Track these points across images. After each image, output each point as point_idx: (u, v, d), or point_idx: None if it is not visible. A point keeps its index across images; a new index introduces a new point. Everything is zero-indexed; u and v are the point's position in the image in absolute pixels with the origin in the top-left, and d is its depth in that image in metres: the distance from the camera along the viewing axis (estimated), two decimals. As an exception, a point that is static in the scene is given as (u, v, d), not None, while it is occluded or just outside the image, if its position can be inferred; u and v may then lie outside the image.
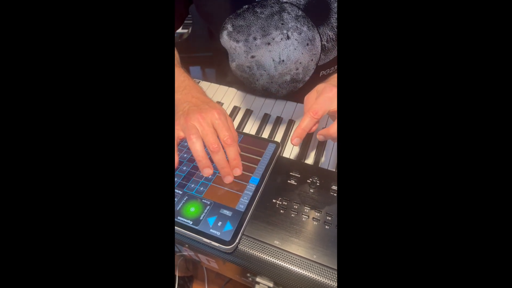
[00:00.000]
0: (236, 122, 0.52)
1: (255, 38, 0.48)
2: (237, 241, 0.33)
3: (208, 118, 0.39)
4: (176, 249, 0.40)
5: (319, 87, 0.41)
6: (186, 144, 0.45)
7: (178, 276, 0.58)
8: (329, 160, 0.45)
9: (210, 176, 0.40)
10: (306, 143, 0.48)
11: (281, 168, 0.42)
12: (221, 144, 0.38)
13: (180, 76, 0.47)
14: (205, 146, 0.38)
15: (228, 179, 0.38)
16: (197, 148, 0.37)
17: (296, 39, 0.48)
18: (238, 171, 0.39)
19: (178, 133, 0.39)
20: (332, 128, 0.37)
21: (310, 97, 0.41)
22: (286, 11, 0.46)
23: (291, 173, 0.41)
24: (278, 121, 0.52)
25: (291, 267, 0.32)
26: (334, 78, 0.44)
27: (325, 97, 0.39)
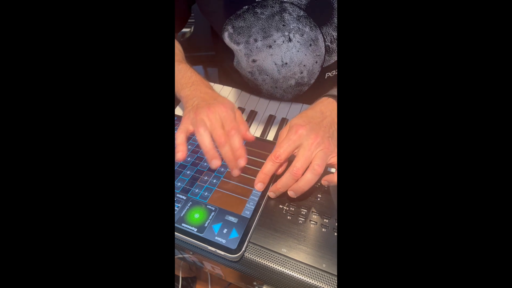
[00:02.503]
0: (240, 124, 0.51)
1: (256, 40, 0.47)
2: (243, 249, 0.32)
3: (217, 113, 0.39)
4: (178, 254, 0.39)
5: (292, 122, 0.38)
6: (189, 147, 0.44)
7: (181, 277, 0.57)
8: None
9: (214, 181, 0.39)
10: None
11: (287, 172, 0.41)
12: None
13: (187, 72, 0.47)
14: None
15: (236, 173, 0.38)
16: (204, 140, 0.37)
17: (298, 41, 0.46)
18: (242, 162, 0.37)
19: (188, 127, 0.39)
20: (278, 184, 0.36)
21: (282, 133, 0.39)
22: (287, 12, 0.45)
23: (298, 177, 0.40)
24: (283, 122, 0.50)
25: (299, 277, 0.31)
26: (318, 102, 0.42)
27: (289, 139, 0.36)
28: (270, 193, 0.37)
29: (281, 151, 0.36)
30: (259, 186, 0.37)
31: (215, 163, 0.37)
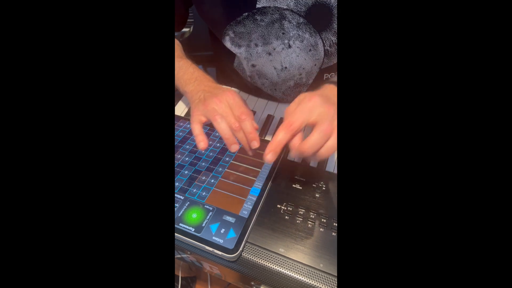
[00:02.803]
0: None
1: (256, 45, 0.47)
2: (240, 249, 0.32)
3: (224, 100, 0.40)
4: (177, 254, 0.39)
5: (300, 96, 0.36)
6: (187, 147, 0.44)
7: (181, 277, 0.57)
8: (335, 163, 0.44)
9: (212, 181, 0.39)
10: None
11: (285, 172, 0.41)
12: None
13: (189, 68, 0.47)
14: None
15: (251, 152, 0.39)
16: (223, 127, 0.38)
17: (298, 47, 0.47)
18: (255, 144, 0.38)
19: (200, 118, 0.40)
20: (306, 144, 0.32)
21: (290, 108, 0.36)
22: (286, 19, 0.45)
23: (295, 177, 0.40)
24: (281, 122, 0.50)
25: (296, 276, 0.31)
26: (322, 88, 0.40)
27: (303, 108, 0.34)
28: (293, 153, 0.34)
29: (294, 119, 0.33)
30: (269, 156, 0.34)
31: (235, 148, 0.38)
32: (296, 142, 0.34)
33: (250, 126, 0.38)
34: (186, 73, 0.47)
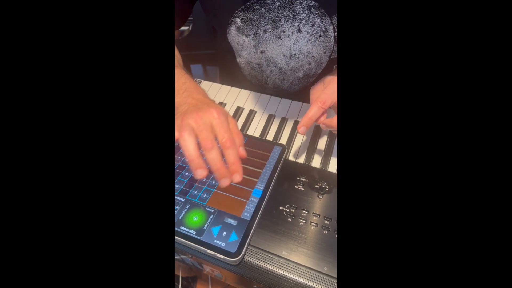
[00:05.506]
0: (239, 124, 0.50)
1: (265, 31, 0.46)
2: (243, 252, 0.31)
3: (206, 117, 0.33)
4: (177, 256, 0.38)
5: (326, 78, 0.42)
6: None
7: (182, 277, 0.57)
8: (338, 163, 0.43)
9: (213, 182, 0.38)
10: (313, 145, 0.46)
11: (287, 173, 0.40)
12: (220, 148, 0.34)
13: (181, 78, 0.43)
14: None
15: (224, 182, 0.32)
16: (188, 146, 0.31)
17: (308, 32, 0.46)
18: (237, 177, 0.33)
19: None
20: (336, 120, 0.38)
21: (317, 88, 0.42)
22: (298, 1, 0.44)
23: (298, 178, 0.39)
24: (283, 122, 0.50)
25: (300, 280, 0.30)
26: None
27: (333, 88, 0.39)
28: (324, 127, 0.40)
29: (326, 97, 0.39)
30: (302, 129, 0.39)
31: (200, 174, 0.31)
32: (323, 118, 0.40)
33: (234, 156, 0.33)
34: (177, 83, 0.42)
